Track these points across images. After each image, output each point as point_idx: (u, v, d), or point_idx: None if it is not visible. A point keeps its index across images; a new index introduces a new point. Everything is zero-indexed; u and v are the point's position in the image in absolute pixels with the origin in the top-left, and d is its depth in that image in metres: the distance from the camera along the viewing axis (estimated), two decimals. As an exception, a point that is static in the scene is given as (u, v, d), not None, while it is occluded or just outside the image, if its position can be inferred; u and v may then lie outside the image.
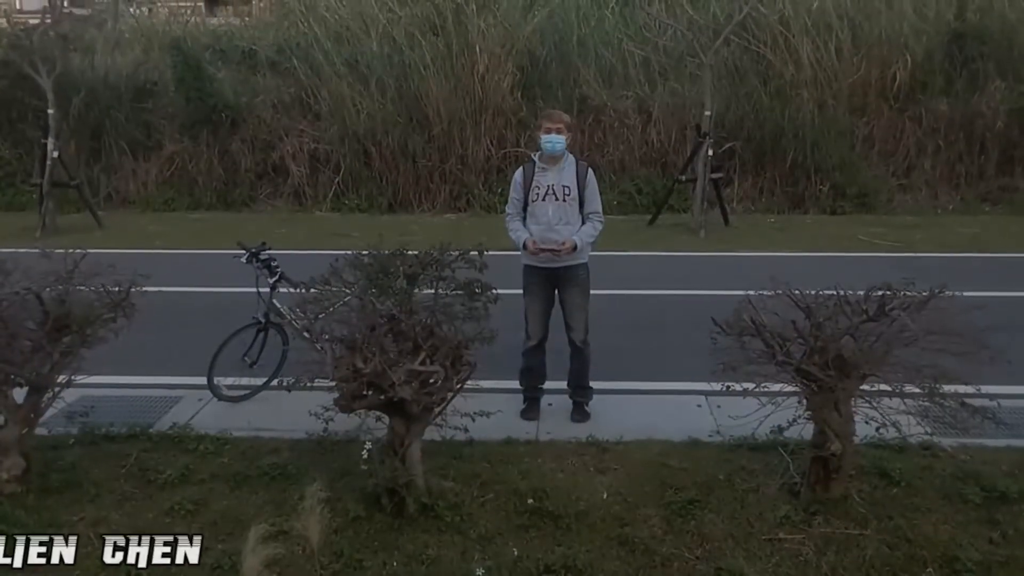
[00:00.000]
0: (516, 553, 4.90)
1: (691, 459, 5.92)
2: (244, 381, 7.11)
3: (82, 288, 5.65)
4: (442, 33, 17.32)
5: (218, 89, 17.42)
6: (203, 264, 11.89)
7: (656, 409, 6.87)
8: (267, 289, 7.15)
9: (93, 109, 17.37)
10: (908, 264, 11.33)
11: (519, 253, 6.66)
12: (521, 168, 6.65)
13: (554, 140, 6.42)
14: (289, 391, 5.40)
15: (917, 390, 4.95)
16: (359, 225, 14.49)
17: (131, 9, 23.23)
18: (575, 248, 6.43)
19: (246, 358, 7.09)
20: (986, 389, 5.09)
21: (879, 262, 11.70)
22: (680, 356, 7.73)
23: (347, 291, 5.50)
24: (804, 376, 5.00)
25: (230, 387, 7.08)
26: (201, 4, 25.61)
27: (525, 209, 6.57)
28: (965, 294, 5.26)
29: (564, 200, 6.47)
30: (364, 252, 5.70)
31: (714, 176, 14.60)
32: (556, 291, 6.65)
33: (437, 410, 5.25)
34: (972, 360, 4.75)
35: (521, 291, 6.70)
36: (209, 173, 17.34)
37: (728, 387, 5.12)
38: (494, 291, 5.44)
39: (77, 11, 20.52)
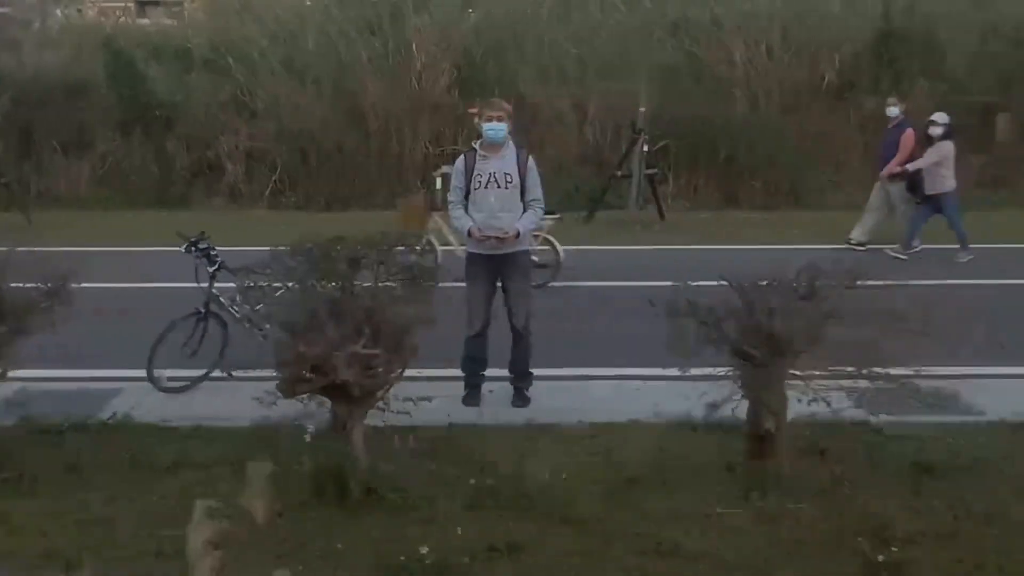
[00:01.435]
0: (460, 533, 4.95)
1: (631, 440, 6.04)
2: (185, 372, 7.08)
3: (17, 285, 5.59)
4: (379, 32, 17.33)
5: (151, 88, 17.25)
6: (139, 261, 11.77)
7: (595, 393, 6.99)
8: (206, 279, 7.14)
9: (22, 107, 17.06)
10: (840, 257, 11.59)
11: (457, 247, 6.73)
12: (462, 156, 6.74)
13: (496, 128, 6.51)
14: (230, 377, 5.40)
15: (848, 368, 5.11)
16: (296, 223, 14.38)
17: (58, 10, 22.89)
18: (519, 235, 6.53)
19: (186, 348, 7.06)
20: (913, 367, 5.28)
21: (811, 255, 11.90)
22: (619, 343, 7.85)
23: (288, 277, 5.51)
24: (739, 354, 5.14)
25: (171, 378, 7.04)
26: (131, 4, 25.31)
27: (467, 197, 6.64)
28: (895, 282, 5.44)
29: (506, 188, 6.56)
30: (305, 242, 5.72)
31: (649, 172, 14.81)
32: (498, 278, 6.73)
33: (380, 393, 5.29)
34: (901, 340, 4.91)
35: (461, 282, 6.77)
36: (144, 172, 17.18)
37: (665, 369, 5.24)
38: (435, 273, 5.49)
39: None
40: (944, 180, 12.20)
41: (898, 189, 12.69)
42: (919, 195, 12.45)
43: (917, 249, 12.45)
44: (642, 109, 14.61)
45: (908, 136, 12.49)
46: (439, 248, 10.29)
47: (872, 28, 17.64)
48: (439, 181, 10.77)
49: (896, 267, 11.32)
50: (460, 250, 10.06)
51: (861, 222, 13.06)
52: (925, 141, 12.39)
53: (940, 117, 12.40)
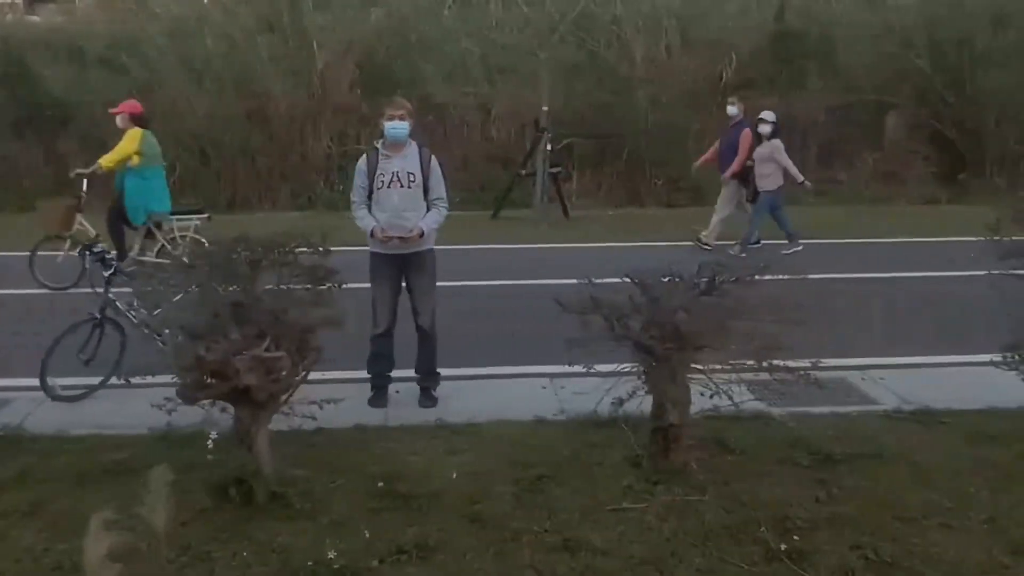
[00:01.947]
0: (368, 535, 4.90)
1: (538, 437, 6.07)
2: (81, 380, 6.88)
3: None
4: (279, 30, 17.12)
5: (45, 87, 16.72)
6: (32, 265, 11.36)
7: (502, 392, 7.00)
8: (102, 284, 6.94)
9: (-94, 107, 16.44)
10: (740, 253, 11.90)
11: (364, 247, 6.69)
12: (365, 156, 6.69)
13: (398, 127, 6.48)
14: (128, 385, 5.27)
15: (749, 361, 5.22)
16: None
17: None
18: (423, 234, 6.50)
19: (81, 355, 6.85)
20: (810, 360, 5.41)
21: (712, 251, 12.14)
22: (524, 342, 7.87)
23: (188, 280, 5.40)
24: (642, 349, 5.20)
25: (66, 387, 6.83)
26: (19, 1, 24.52)
27: (370, 197, 6.59)
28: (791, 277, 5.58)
29: (409, 187, 6.53)
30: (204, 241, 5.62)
31: (553, 171, 14.91)
32: (403, 278, 6.69)
33: (284, 397, 5.22)
34: (796, 331, 5.03)
35: (367, 283, 6.72)
36: (37, 173, 16.62)
37: (570, 365, 5.28)
38: (339, 275, 5.44)
39: None
40: (770, 178, 12.46)
41: (735, 188, 12.91)
42: (750, 192, 12.67)
43: (758, 245, 12.78)
44: (545, 108, 14.68)
45: (746, 135, 12.66)
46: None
47: (768, 28, 18.05)
48: (84, 183, 10.83)
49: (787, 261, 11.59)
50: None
51: (715, 223, 13.21)
52: (757, 139, 12.59)
53: (768, 115, 12.60)
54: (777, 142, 12.48)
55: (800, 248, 12.54)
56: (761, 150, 12.47)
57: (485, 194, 16.66)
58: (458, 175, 16.85)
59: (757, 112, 12.97)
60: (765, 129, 12.44)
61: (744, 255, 12.08)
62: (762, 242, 12.87)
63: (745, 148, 12.58)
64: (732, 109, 13.03)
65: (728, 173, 12.82)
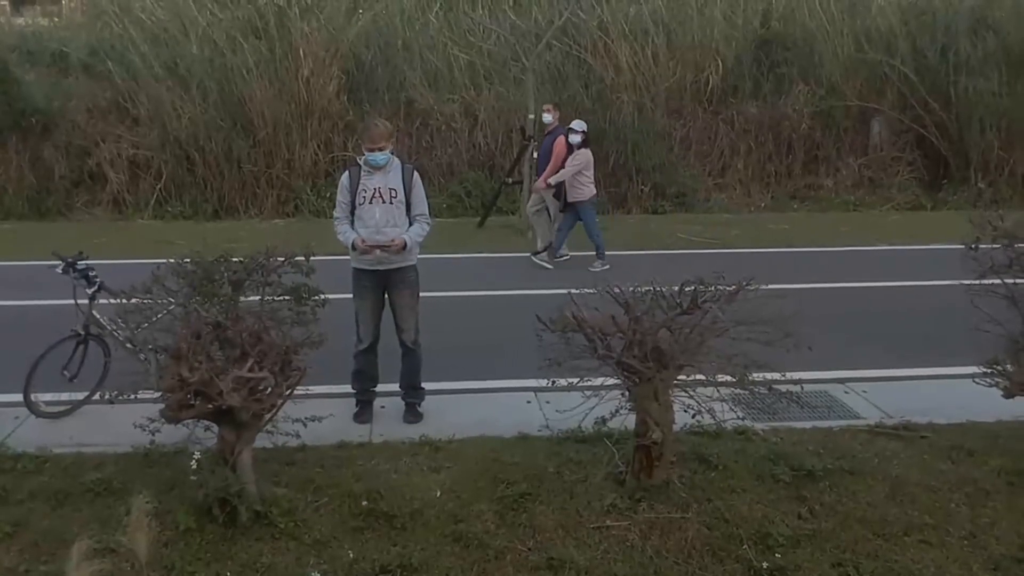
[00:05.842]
0: (352, 555, 4.93)
1: (522, 453, 6.08)
2: (64, 396, 6.85)
3: None
4: (264, 36, 17.07)
5: (26, 92, 16.60)
6: (14, 276, 11.31)
7: (487, 407, 7.02)
8: (85, 300, 6.91)
9: None
10: (724, 259, 11.91)
11: (348, 257, 6.69)
12: (347, 171, 6.69)
13: (377, 157, 6.53)
14: (112, 404, 5.25)
15: (730, 378, 5.24)
16: (183, 233, 14.07)
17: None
18: (405, 246, 6.52)
19: (65, 372, 6.81)
20: (791, 374, 5.45)
21: (698, 258, 12.19)
22: (510, 354, 7.83)
23: (170, 299, 5.39)
24: (625, 368, 5.22)
25: (49, 403, 6.80)
26: (6, 3, 24.42)
27: (353, 212, 6.60)
28: (773, 286, 5.60)
29: (391, 203, 6.54)
30: (186, 259, 5.59)
31: (540, 178, 14.88)
32: (386, 293, 6.70)
33: (267, 417, 5.22)
34: (778, 347, 5.06)
35: (351, 294, 6.73)
36: (19, 181, 16.46)
37: (554, 382, 5.30)
38: (322, 295, 5.45)
39: None
40: (583, 188, 12.20)
41: (552, 197, 12.62)
42: (562, 203, 12.44)
43: (565, 257, 12.51)
44: (531, 116, 14.66)
45: (559, 143, 12.36)
46: None
47: (752, 34, 18.12)
48: None
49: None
50: None
51: (538, 235, 12.99)
52: (568, 149, 12.22)
53: (578, 125, 12.39)
54: (585, 152, 12.17)
55: (607, 267, 12.01)
56: (571, 162, 12.11)
57: (471, 200, 16.65)
58: (443, 181, 16.89)
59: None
60: (575, 139, 12.11)
61: (551, 266, 12.04)
62: (570, 255, 12.59)
63: (558, 157, 12.25)
64: (547, 117, 12.85)
65: (539, 184, 12.49)
